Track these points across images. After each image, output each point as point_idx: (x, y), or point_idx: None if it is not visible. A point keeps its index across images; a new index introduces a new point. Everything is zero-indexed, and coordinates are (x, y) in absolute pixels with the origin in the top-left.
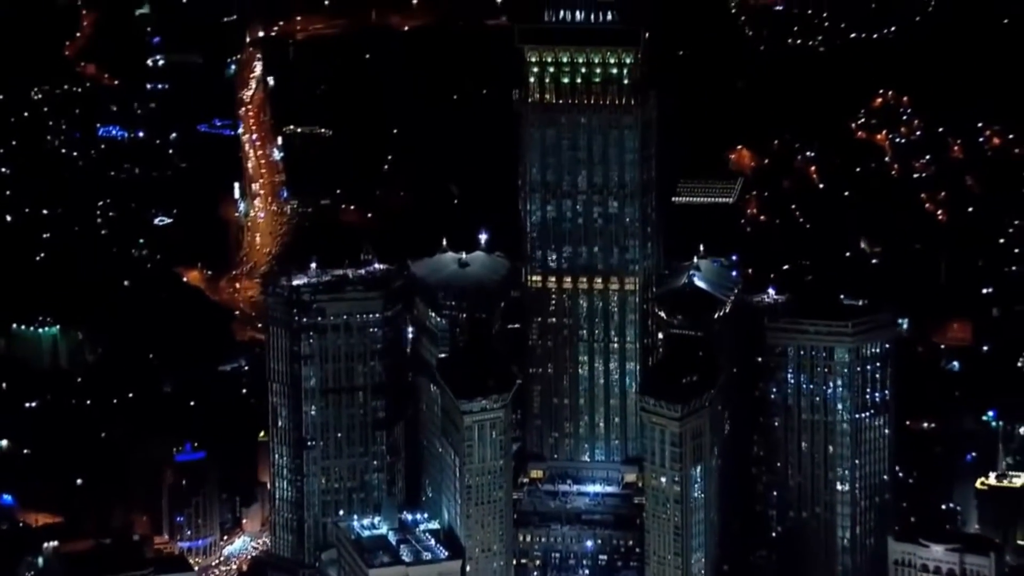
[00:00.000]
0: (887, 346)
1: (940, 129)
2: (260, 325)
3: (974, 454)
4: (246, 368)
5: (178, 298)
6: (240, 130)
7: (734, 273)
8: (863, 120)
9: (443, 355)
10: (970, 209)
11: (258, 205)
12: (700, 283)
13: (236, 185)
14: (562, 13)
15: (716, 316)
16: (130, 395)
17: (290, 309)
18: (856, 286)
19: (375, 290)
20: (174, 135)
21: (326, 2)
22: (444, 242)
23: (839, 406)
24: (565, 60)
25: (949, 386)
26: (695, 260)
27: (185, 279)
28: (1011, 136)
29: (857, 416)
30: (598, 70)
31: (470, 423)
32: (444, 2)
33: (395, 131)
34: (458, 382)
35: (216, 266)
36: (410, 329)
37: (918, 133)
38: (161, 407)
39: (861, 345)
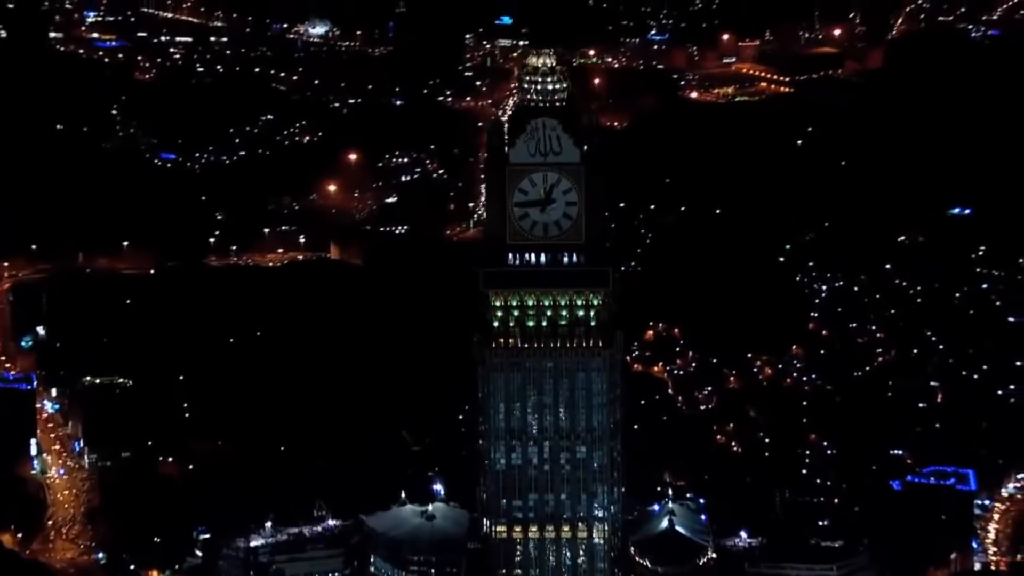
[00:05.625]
0: None
1: (714, 360)
2: None
3: None
4: None
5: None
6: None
7: (703, 517)
8: (637, 352)
9: None
10: (767, 440)
11: (56, 462)
12: (679, 528)
13: (33, 441)
14: (527, 256)
15: (700, 562)
16: None
17: (247, 571)
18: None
19: (335, 547)
20: None
21: (33, 247)
22: (403, 495)
23: None
24: (531, 303)
25: None
26: (668, 504)
27: None
28: (780, 366)
29: None
30: (564, 312)
31: None
32: (156, 246)
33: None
34: None
35: (26, 528)
36: None
37: (694, 365)
38: None
39: None
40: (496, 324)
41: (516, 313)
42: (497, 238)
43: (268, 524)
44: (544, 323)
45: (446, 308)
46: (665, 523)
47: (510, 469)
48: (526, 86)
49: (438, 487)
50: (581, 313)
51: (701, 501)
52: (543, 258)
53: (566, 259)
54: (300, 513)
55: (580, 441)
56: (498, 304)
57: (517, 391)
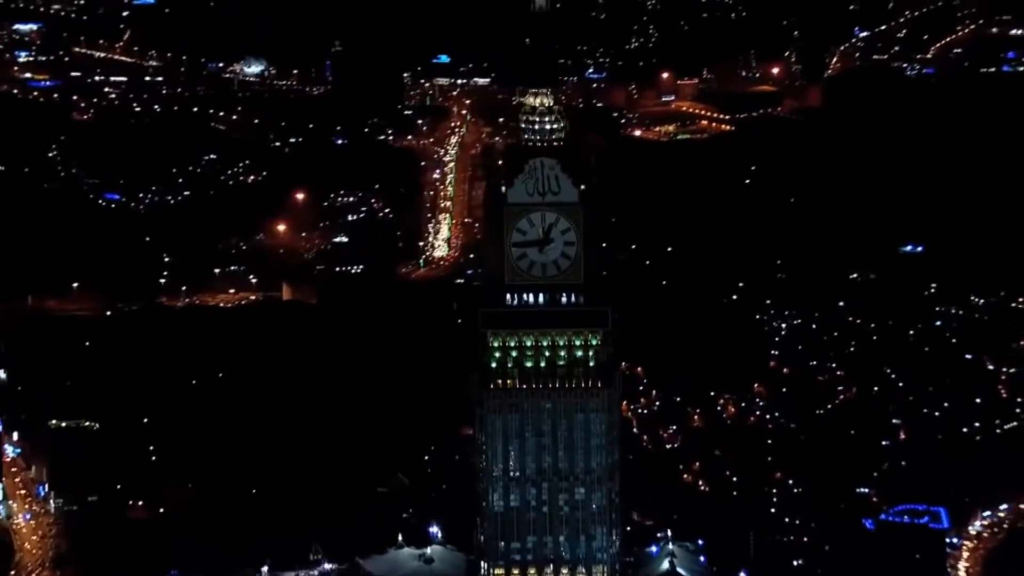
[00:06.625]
0: None
1: (678, 399)
2: None
3: None
4: None
5: None
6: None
7: (702, 559)
8: None
9: None
10: (735, 478)
11: (22, 507)
12: (680, 570)
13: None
14: (525, 296)
15: None
16: None
17: None
18: None
19: None
20: None
21: None
22: (400, 537)
23: None
24: (529, 344)
25: None
26: (668, 545)
27: None
28: (743, 404)
29: None
30: (563, 353)
31: None
32: (105, 288)
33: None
34: None
35: None
36: None
37: (657, 404)
38: None
39: None
40: (494, 365)
41: (514, 354)
42: (495, 278)
43: (265, 568)
44: (543, 363)
45: (417, 346)
46: (666, 565)
47: (508, 511)
48: (524, 125)
49: (435, 529)
50: (580, 353)
51: (700, 542)
52: (541, 298)
53: (565, 299)
54: (286, 554)
55: (579, 482)
56: (496, 344)
57: (515, 432)
